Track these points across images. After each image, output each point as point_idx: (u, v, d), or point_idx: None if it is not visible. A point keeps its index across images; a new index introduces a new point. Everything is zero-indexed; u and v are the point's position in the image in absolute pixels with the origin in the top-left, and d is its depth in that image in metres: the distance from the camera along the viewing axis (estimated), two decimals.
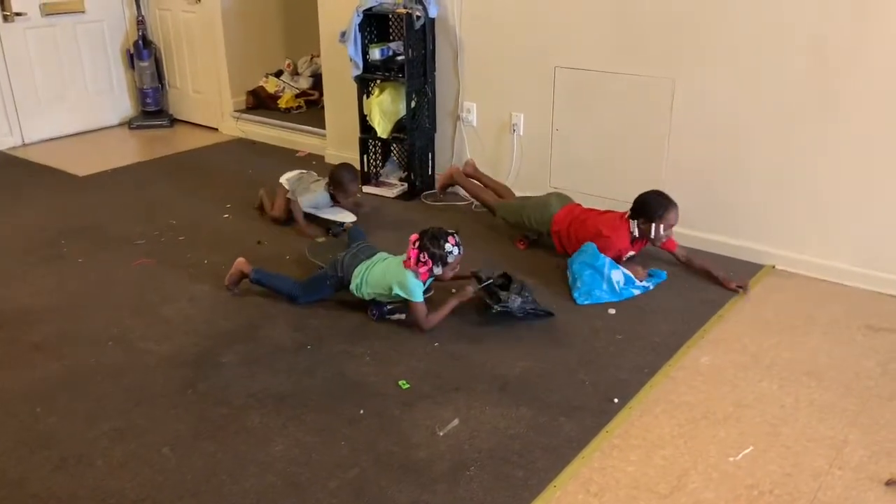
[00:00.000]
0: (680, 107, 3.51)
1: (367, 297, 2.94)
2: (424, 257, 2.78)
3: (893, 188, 3.08)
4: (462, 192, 4.14)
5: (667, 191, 3.27)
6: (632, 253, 3.34)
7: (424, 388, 2.54)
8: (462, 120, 4.31)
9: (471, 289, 2.91)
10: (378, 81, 4.28)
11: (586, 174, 3.88)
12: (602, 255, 3.16)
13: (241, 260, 3.14)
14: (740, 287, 3.17)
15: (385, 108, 4.24)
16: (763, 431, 2.33)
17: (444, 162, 4.43)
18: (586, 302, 3.10)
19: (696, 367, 2.68)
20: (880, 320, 2.95)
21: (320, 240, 3.64)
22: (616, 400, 2.48)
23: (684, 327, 2.92)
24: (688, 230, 3.51)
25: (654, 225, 3.21)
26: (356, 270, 2.94)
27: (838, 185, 3.19)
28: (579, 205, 3.55)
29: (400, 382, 2.56)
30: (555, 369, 2.64)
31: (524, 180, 4.14)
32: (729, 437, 2.31)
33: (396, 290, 2.82)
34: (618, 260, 3.24)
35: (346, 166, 3.94)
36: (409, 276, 2.80)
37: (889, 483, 2.09)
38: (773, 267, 3.41)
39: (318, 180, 3.96)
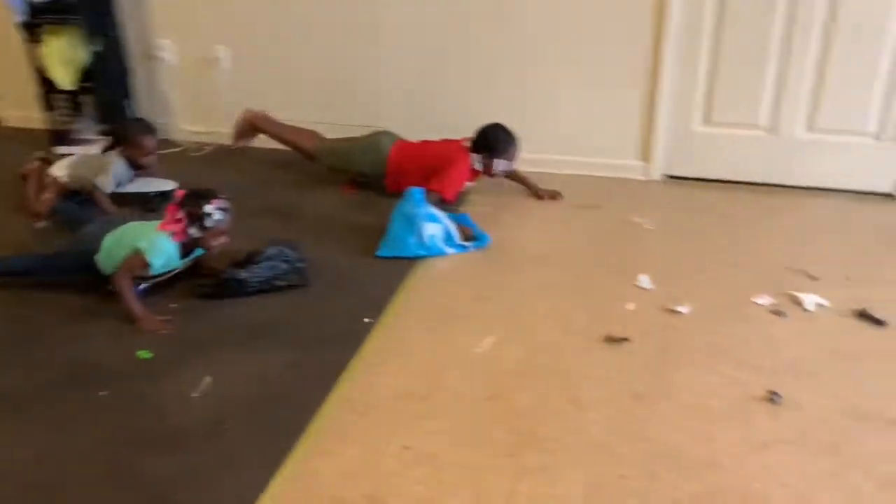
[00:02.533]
0: (387, 22, 3.53)
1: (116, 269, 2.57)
2: (180, 215, 2.55)
3: (575, 83, 3.40)
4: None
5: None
6: (470, 183, 3.30)
7: (169, 353, 2.38)
8: (158, 59, 3.95)
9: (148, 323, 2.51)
10: (49, 26, 3.75)
11: (305, 102, 3.80)
12: (424, 203, 2.90)
13: None
14: (553, 198, 3.31)
15: (64, 56, 3.76)
16: (503, 318, 2.53)
17: (147, 109, 4.07)
18: (389, 254, 2.86)
19: (436, 272, 2.81)
20: (585, 199, 3.30)
21: (39, 225, 3.07)
22: (367, 319, 2.53)
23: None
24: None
25: (495, 159, 3.18)
26: (107, 237, 2.61)
27: (536, 84, 3.46)
28: (406, 141, 3.38)
29: (140, 353, 2.38)
30: (304, 306, 2.61)
31: None
32: (475, 331, 2.46)
33: (141, 243, 2.51)
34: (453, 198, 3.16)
35: (133, 119, 3.37)
36: (160, 235, 2.54)
37: (607, 339, 2.39)
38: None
39: (91, 156, 3.34)
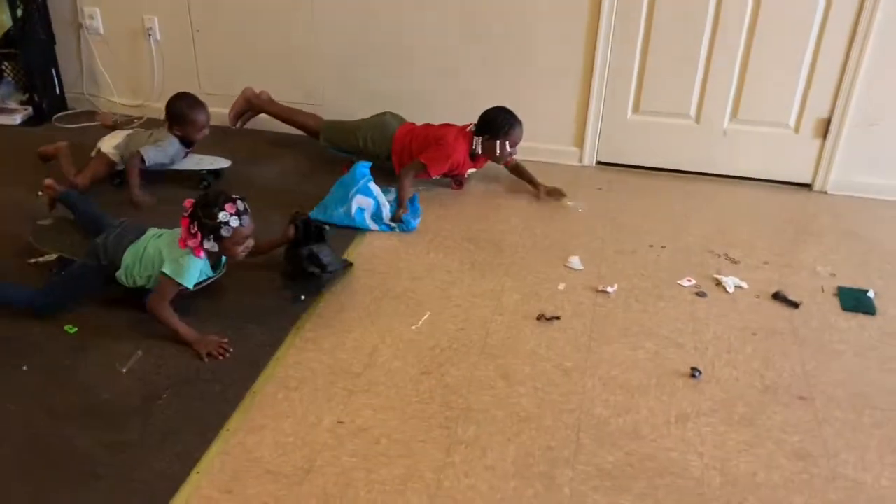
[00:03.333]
0: None
1: (138, 284, 2.37)
2: (194, 228, 2.25)
3: (511, 70, 3.45)
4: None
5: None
6: (473, 169, 3.26)
7: (96, 326, 2.33)
8: (86, 28, 3.82)
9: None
10: None
11: (236, 75, 3.73)
12: (364, 176, 2.91)
13: None
14: (552, 195, 3.23)
15: None
16: (436, 297, 2.56)
17: (73, 78, 3.93)
18: (316, 217, 2.86)
19: (371, 252, 2.83)
20: (521, 184, 3.35)
21: (45, 221, 2.71)
22: (303, 297, 2.52)
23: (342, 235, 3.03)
24: (346, 116, 3.62)
25: (498, 142, 3.11)
26: (127, 253, 2.35)
27: (470, 70, 3.49)
28: (414, 123, 3.31)
29: (66, 328, 2.32)
30: (242, 281, 2.58)
31: (171, 90, 3.84)
32: (409, 309, 2.49)
33: (166, 268, 2.26)
34: (456, 173, 3.19)
35: (182, 95, 3.15)
36: (184, 255, 2.26)
37: (539, 318, 2.45)
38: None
39: (141, 133, 3.21)
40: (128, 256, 2.34)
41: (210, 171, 3.25)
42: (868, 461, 1.93)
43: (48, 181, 2.73)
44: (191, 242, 2.25)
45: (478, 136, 3.14)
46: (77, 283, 2.38)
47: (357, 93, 3.63)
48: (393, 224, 2.96)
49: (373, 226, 2.94)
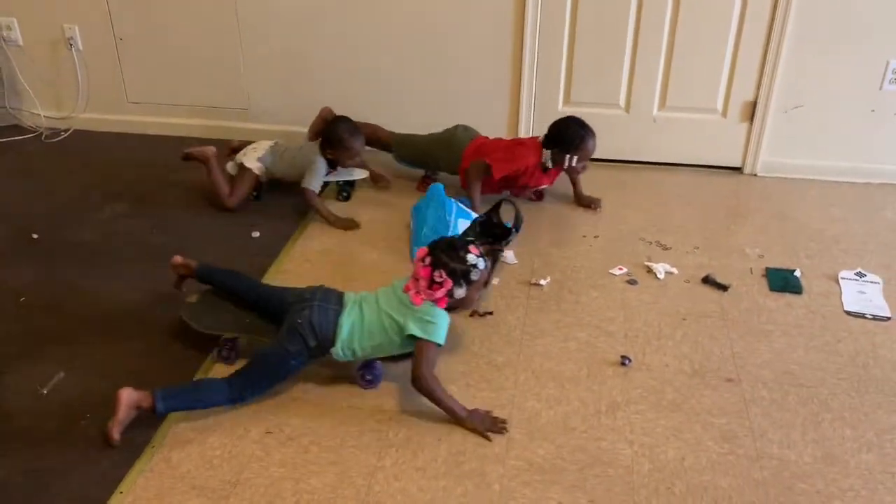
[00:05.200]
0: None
1: (360, 357, 2.13)
2: (441, 276, 2.05)
3: (440, 64, 3.44)
4: None
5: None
6: (546, 185, 3.11)
7: (14, 348, 2.26)
8: (3, 39, 3.70)
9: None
10: None
11: (163, 83, 3.66)
12: (450, 203, 2.73)
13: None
14: (590, 207, 3.13)
15: None
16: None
17: None
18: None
19: (304, 256, 2.79)
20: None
21: (192, 299, 2.34)
22: None
23: (288, 221, 3.00)
24: (275, 125, 3.58)
25: (568, 156, 2.93)
26: (340, 327, 2.08)
27: (400, 64, 3.47)
28: (486, 137, 3.16)
29: None
30: (161, 295, 2.51)
31: (97, 101, 3.76)
32: None
33: (414, 329, 2.02)
34: (527, 183, 3.02)
35: (341, 119, 3.08)
36: (429, 310, 2.05)
37: (472, 315, 2.44)
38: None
39: (287, 149, 3.13)
40: (343, 329, 2.08)
41: (347, 182, 3.19)
42: (792, 439, 1.97)
43: (177, 259, 2.37)
44: (438, 293, 2.05)
45: (547, 148, 2.96)
46: (272, 371, 2.08)
47: (286, 97, 3.59)
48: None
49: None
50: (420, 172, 3.30)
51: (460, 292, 2.07)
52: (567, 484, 1.83)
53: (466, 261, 2.06)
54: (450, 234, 2.64)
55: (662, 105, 3.41)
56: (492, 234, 2.69)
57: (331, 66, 3.51)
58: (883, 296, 2.56)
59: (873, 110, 3.24)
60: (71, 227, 2.95)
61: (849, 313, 2.48)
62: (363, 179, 3.23)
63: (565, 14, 3.28)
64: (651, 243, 2.88)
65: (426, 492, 1.81)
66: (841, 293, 2.58)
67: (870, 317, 2.46)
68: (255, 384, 2.06)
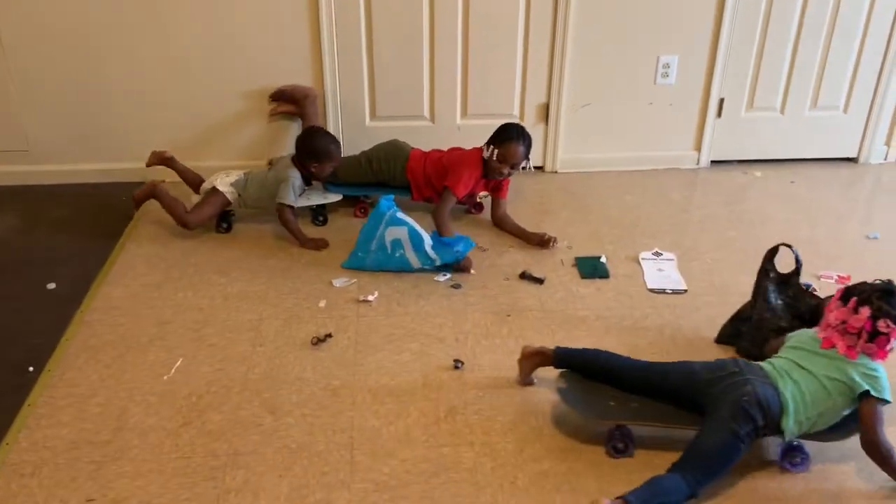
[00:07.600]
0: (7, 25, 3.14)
1: (804, 431, 1.91)
2: (888, 325, 1.84)
3: (242, 91, 3.34)
4: None
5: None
6: (483, 193, 3.18)
7: None
8: None
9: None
10: None
11: None
12: (388, 211, 2.73)
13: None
14: (542, 245, 2.97)
15: None
16: (188, 340, 2.39)
17: None
18: (348, 266, 2.79)
19: (108, 303, 2.58)
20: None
21: (560, 384, 2.09)
22: (31, 368, 2.24)
23: (86, 268, 2.77)
24: (58, 165, 3.35)
25: (491, 147, 2.97)
26: (787, 404, 1.88)
27: (198, 90, 3.33)
28: (421, 150, 3.18)
29: None
30: None
31: None
32: (158, 359, 2.31)
33: (865, 385, 1.85)
34: (469, 198, 3.12)
35: (320, 130, 3.10)
36: (866, 359, 1.88)
37: (314, 342, 2.37)
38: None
39: (266, 171, 3.07)
40: (789, 403, 1.88)
41: (320, 206, 3.12)
42: None
43: (529, 349, 2.17)
44: (889, 345, 1.87)
45: (486, 146, 3.03)
46: (731, 460, 1.85)
47: (71, 130, 3.31)
48: (435, 256, 2.72)
49: (415, 263, 2.73)
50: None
51: None
52: (415, 498, 1.82)
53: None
54: (375, 240, 2.72)
55: (465, 113, 3.52)
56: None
57: (119, 91, 3.28)
58: (678, 270, 2.80)
59: (651, 103, 3.55)
60: None
61: (652, 290, 2.69)
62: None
63: (360, 31, 3.30)
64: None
65: None
66: (643, 273, 2.79)
67: (670, 292, 2.69)
68: (712, 478, 1.84)
